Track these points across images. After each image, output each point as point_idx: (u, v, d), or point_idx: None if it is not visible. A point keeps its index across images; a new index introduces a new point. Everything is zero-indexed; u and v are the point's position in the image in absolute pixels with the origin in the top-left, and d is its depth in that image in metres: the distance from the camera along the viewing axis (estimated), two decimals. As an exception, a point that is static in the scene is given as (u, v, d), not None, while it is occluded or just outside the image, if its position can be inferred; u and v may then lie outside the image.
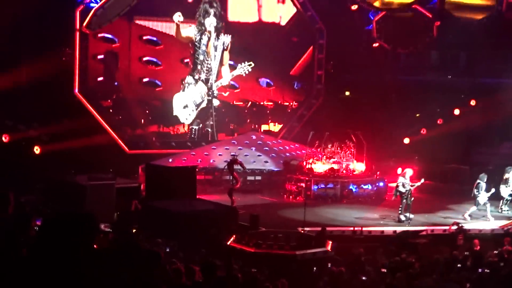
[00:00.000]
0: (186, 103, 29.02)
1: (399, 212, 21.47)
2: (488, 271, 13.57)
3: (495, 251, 15.87)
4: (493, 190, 22.23)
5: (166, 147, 27.94)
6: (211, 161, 26.89)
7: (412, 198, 21.61)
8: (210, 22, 28.74)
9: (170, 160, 26.05)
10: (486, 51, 33.04)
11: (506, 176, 23.09)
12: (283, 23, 32.55)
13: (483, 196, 22.06)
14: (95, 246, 5.49)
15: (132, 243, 6.29)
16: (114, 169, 22.39)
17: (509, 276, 13.33)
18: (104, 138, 25.93)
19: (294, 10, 32.16)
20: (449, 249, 18.12)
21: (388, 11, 25.88)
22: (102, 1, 23.85)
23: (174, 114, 28.89)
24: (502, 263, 14.48)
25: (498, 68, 32.21)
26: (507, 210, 23.09)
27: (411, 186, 21.66)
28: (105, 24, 25.00)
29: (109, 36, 28.00)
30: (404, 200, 21.52)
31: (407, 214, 21.36)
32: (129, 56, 29.14)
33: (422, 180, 22.03)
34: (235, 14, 30.44)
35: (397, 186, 21.83)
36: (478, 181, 22.29)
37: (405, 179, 21.74)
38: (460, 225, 19.76)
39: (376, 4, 25.04)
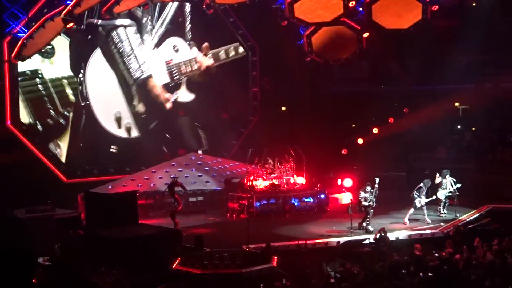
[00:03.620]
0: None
1: (367, 223, 21.74)
2: (431, 275, 13.83)
3: (436, 254, 16.14)
4: (433, 197, 22.73)
5: (105, 174, 27.55)
6: (152, 185, 26.68)
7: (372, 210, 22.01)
8: None
9: (110, 187, 25.74)
10: (416, 59, 33.81)
11: (442, 180, 23.62)
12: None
13: (422, 200, 22.54)
14: (34, 280, 5.39)
15: (71, 275, 6.19)
16: (53, 200, 21.98)
17: (453, 278, 13.62)
18: (40, 170, 25.47)
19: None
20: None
21: (317, 25, 26.14)
22: (30, 31, 23.42)
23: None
24: (445, 266, 14.73)
25: (429, 75, 32.96)
26: (445, 213, 23.58)
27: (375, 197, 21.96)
28: (35, 53, 24.57)
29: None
30: (371, 211, 21.85)
31: (364, 224, 21.66)
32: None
33: None
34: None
35: (359, 201, 22.09)
36: (421, 184, 22.80)
37: (365, 193, 21.98)
38: (382, 233, 19.88)
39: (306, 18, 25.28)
